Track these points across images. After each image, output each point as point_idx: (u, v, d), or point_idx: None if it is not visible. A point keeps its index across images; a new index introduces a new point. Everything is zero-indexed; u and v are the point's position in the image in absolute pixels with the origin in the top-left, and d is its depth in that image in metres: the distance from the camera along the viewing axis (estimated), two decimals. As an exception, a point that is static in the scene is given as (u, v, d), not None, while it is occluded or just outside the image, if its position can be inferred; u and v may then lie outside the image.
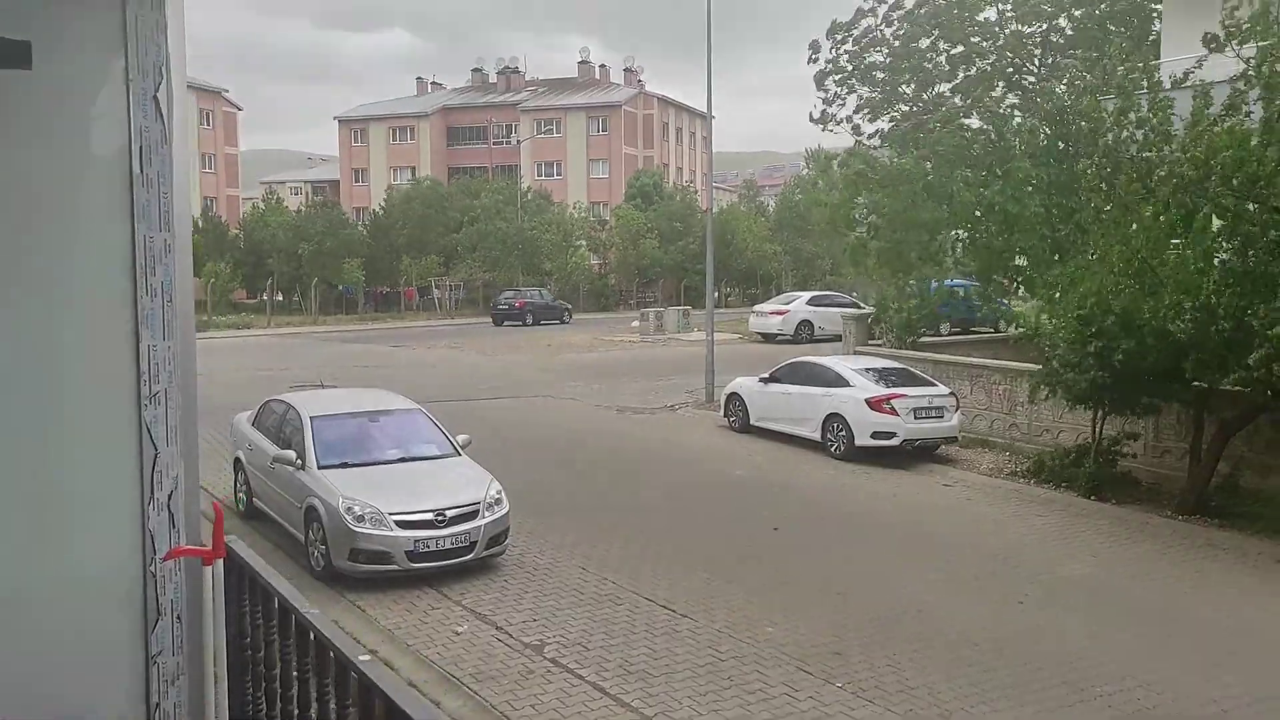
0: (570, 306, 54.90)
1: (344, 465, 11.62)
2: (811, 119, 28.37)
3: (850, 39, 27.11)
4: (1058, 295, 14.83)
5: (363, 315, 55.28)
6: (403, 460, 12.05)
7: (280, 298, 58.52)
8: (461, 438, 12.62)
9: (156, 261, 3.44)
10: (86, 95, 3.37)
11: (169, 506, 3.51)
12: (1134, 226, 13.57)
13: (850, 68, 27.12)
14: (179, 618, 3.59)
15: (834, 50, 27.35)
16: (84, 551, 3.47)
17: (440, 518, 10.88)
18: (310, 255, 55.22)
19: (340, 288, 57.88)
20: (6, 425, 3.29)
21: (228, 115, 78.75)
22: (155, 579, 3.52)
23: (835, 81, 27.17)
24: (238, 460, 13.73)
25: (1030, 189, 19.35)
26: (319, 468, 11.48)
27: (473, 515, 11.05)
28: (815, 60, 27.52)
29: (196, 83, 72.73)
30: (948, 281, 25.70)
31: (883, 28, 26.93)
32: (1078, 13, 25.14)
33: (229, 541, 3.90)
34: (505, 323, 50.07)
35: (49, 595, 3.41)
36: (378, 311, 57.87)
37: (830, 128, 28.18)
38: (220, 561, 3.53)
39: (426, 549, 10.75)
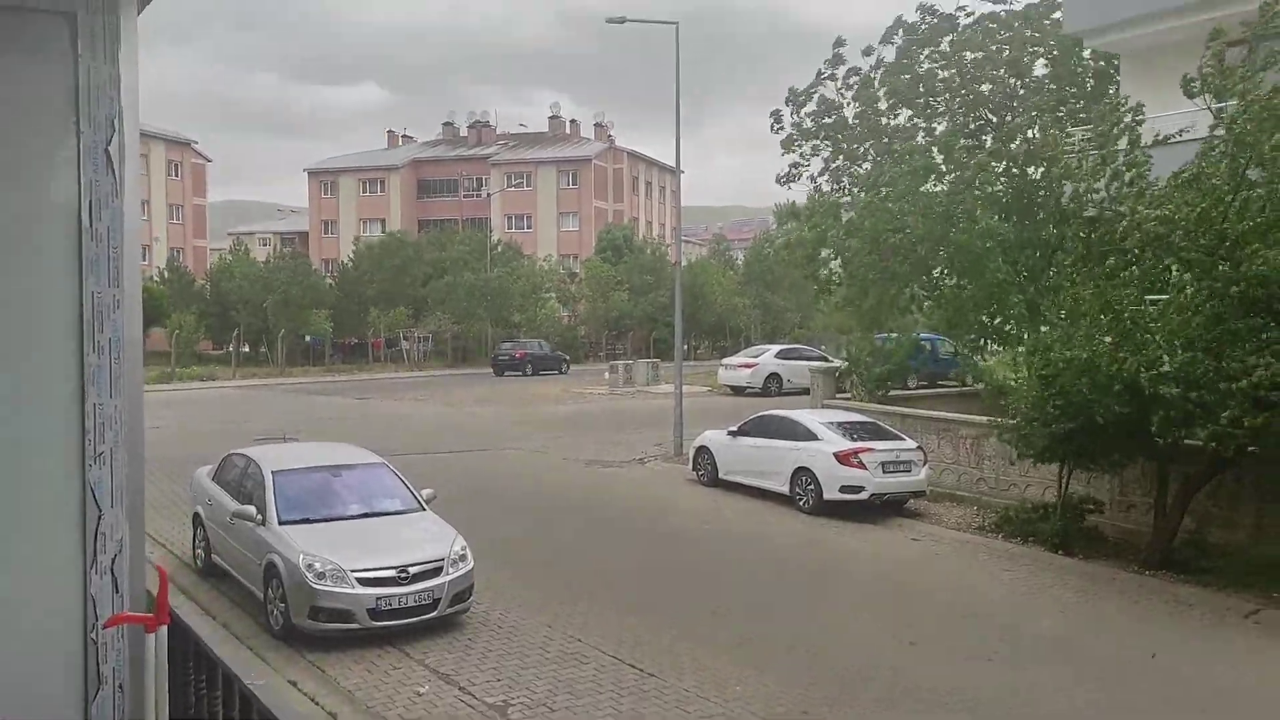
0: (568, 358, 55.60)
1: (306, 521, 11.41)
2: (778, 180, 28.73)
3: (810, 102, 27.59)
4: (1032, 353, 14.94)
5: (329, 366, 54.84)
6: (366, 515, 11.86)
7: (246, 349, 57.98)
8: (426, 492, 12.45)
9: (105, 318, 3.34)
10: (36, 147, 3.30)
11: (112, 570, 3.38)
12: (1109, 281, 13.73)
13: (812, 129, 27.58)
14: (121, 687, 3.44)
15: (795, 115, 27.83)
16: (23, 617, 3.34)
17: (403, 574, 10.68)
18: (277, 306, 54.87)
19: (307, 339, 57.51)
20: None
21: (196, 166, 78.58)
22: (97, 647, 3.37)
23: (797, 148, 27.64)
24: (197, 515, 13.46)
25: (990, 245, 19.58)
26: (280, 523, 11.26)
27: (436, 572, 10.86)
28: (780, 129, 27.98)
29: (165, 134, 72.82)
30: (915, 334, 25.89)
31: (842, 90, 27.41)
32: (1037, 72, 25.70)
33: (175, 607, 3.76)
34: (506, 372, 51.18)
35: (-16, 664, 3.26)
36: (344, 363, 57.47)
37: (796, 186, 28.55)
38: (164, 628, 3.38)
39: (389, 606, 10.53)
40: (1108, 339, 13.12)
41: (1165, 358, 12.08)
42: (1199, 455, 13.38)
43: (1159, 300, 13.17)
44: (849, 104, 27.41)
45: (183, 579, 12.85)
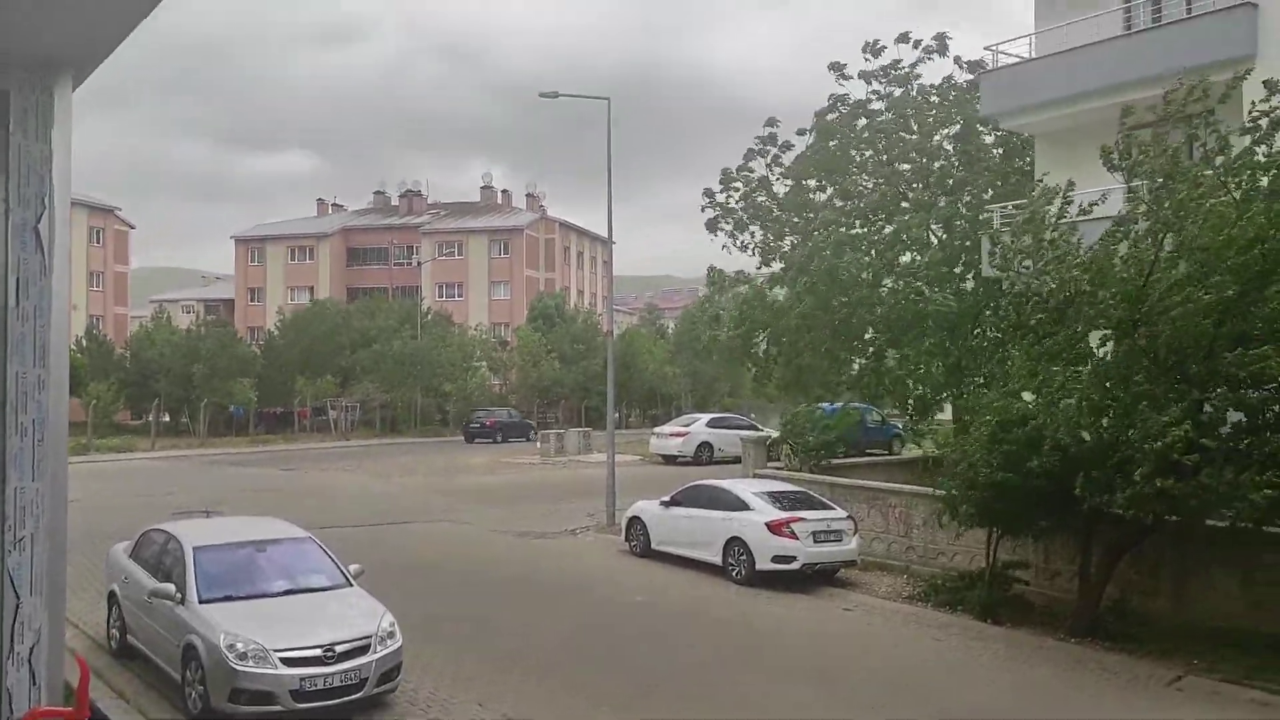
0: (534, 425, 55.97)
1: (227, 599, 11.06)
2: (707, 227, 29.03)
3: (739, 182, 28.19)
4: (966, 419, 15.30)
5: (254, 437, 53.62)
6: (290, 592, 11.53)
7: (167, 419, 56.53)
8: (354, 567, 12.17)
9: (29, 398, 3.27)
10: (-38, 225, 3.24)
11: (30, 661, 3.25)
12: (1038, 344, 14.17)
13: (739, 209, 28.16)
14: (35, 785, 3.29)
15: (725, 194, 28.41)
16: (-70, 712, 3.18)
17: (329, 653, 10.38)
18: (200, 375, 53.70)
19: (231, 408, 56.30)
20: None
21: (119, 233, 77.11)
22: (10, 742, 3.23)
23: (724, 229, 28.26)
24: (112, 594, 12.96)
25: (919, 311, 20.13)
26: (200, 601, 10.90)
27: (364, 650, 10.57)
28: (709, 207, 28.55)
29: (89, 200, 71.48)
30: (835, 406, 26.26)
31: (771, 167, 28.03)
32: (949, 150, 26.56)
33: (94, 699, 3.62)
34: (476, 440, 52.64)
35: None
36: (270, 433, 56.27)
37: (731, 252, 28.97)
38: (83, 723, 3.25)
39: (314, 687, 10.20)
40: (1029, 401, 13.52)
41: (1087, 420, 12.45)
42: (1121, 523, 13.70)
43: (1080, 361, 13.64)
44: (777, 181, 28.03)
45: (97, 660, 12.33)
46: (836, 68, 26.81)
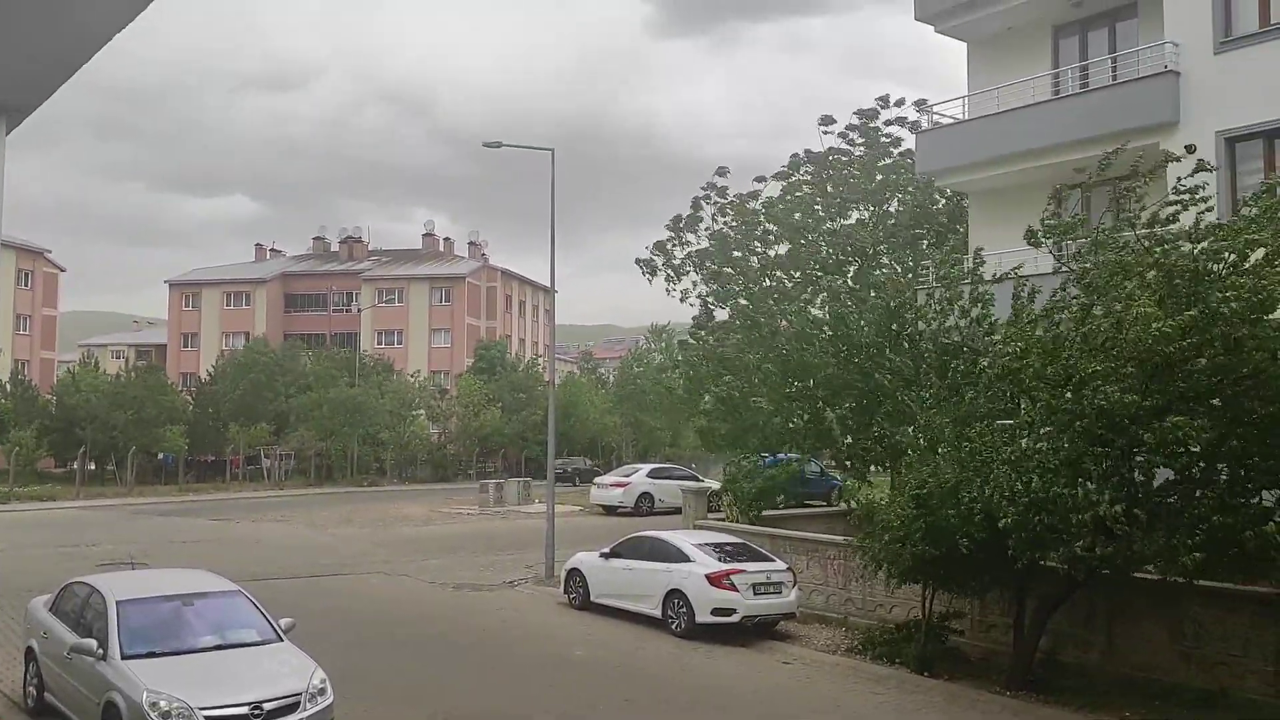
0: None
1: (151, 654, 10.70)
2: (644, 268, 29.31)
3: (687, 232, 28.68)
4: (906, 473, 15.38)
5: (183, 486, 52.20)
6: (219, 648, 11.19)
7: (93, 467, 54.88)
8: (285, 621, 11.85)
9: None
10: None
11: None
12: (964, 410, 14.31)
13: (682, 261, 28.69)
14: None
15: (669, 246, 28.88)
16: None
17: (257, 711, 10.07)
18: (128, 422, 52.28)
19: (160, 456, 54.89)
20: None
21: (48, 276, 75.37)
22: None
23: (668, 280, 28.84)
24: (30, 650, 12.47)
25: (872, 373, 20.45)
26: (123, 657, 10.54)
27: (293, 708, 10.28)
28: (651, 258, 28.99)
29: (17, 242, 69.86)
30: (782, 457, 26.41)
31: (717, 217, 28.49)
32: (890, 209, 27.25)
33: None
34: (562, 482, 49.31)
35: None
36: (200, 481, 54.92)
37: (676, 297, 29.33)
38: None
39: (240, 748, 9.89)
40: (961, 470, 13.61)
41: (1017, 486, 12.54)
42: (1053, 576, 13.87)
43: (1009, 426, 13.77)
44: (724, 230, 28.50)
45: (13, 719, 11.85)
46: (827, 121, 27.60)
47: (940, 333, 15.91)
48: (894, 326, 20.45)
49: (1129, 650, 14.37)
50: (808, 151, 27.89)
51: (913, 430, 16.40)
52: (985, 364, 13.91)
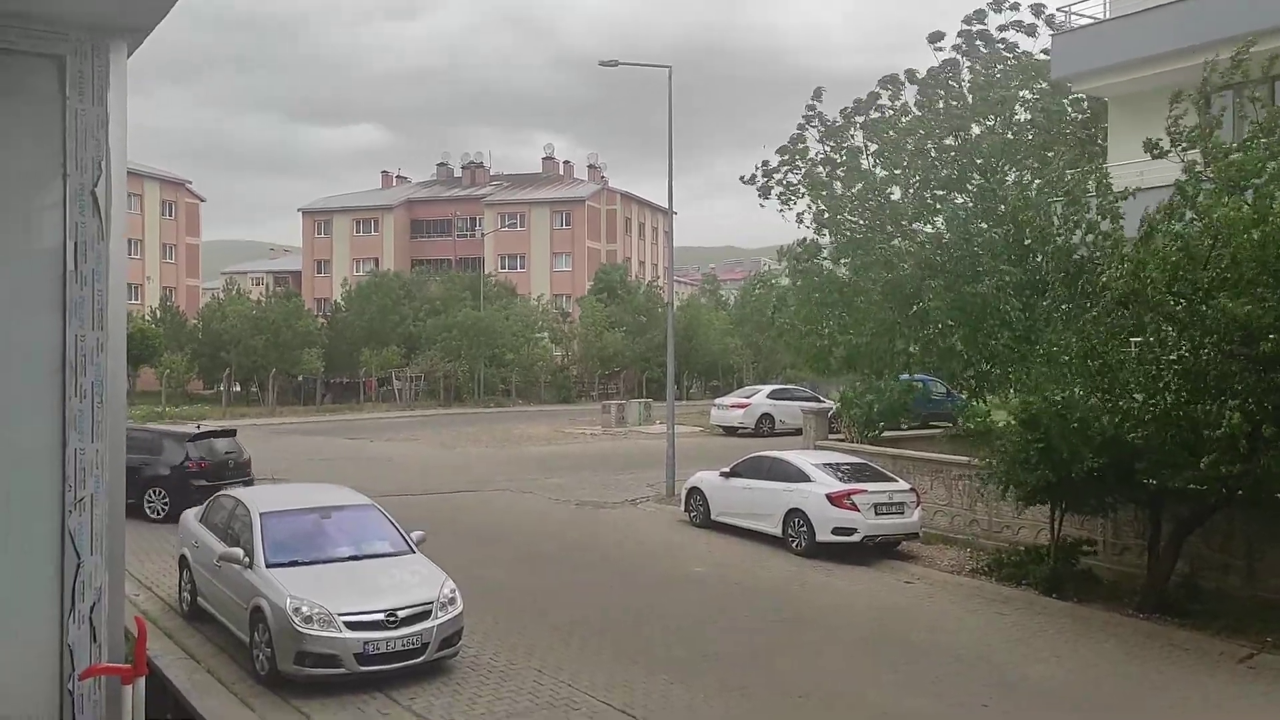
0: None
1: (293, 564, 11.28)
2: (760, 193, 28.61)
3: (798, 155, 27.83)
4: (1013, 396, 14.95)
5: (321, 407, 54.57)
6: (354, 558, 11.73)
7: (238, 389, 57.71)
8: (416, 534, 12.33)
9: (88, 361, 3.30)
10: (21, 188, 3.28)
11: (90, 619, 3.31)
12: (1093, 327, 13.75)
13: (796, 182, 27.83)
14: (97, 739, 3.36)
15: (781, 171, 28.07)
16: (-2, 667, 3.26)
17: (391, 618, 10.55)
18: (267, 346, 54.74)
19: (299, 378, 57.32)
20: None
21: (190, 206, 78.79)
22: (73, 698, 3.30)
23: (782, 199, 27.96)
24: (183, 558, 13.31)
25: (999, 289, 19.75)
26: (267, 566, 11.14)
27: (425, 615, 10.73)
28: (757, 179, 28.25)
29: (160, 174, 73.09)
30: (905, 376, 25.88)
31: (824, 143, 27.61)
32: (1027, 118, 25.94)
33: (160, 653, 3.69)
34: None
35: (-44, 715, 3.18)
36: (336, 403, 57.21)
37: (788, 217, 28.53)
38: (142, 680, 3.31)
39: (376, 651, 10.39)
40: (1078, 391, 13.14)
41: (1150, 402, 12.06)
42: (1189, 498, 13.34)
43: (1138, 343, 13.20)
44: (833, 153, 27.63)
45: (168, 623, 12.69)
46: (936, 38, 26.24)
47: (1068, 248, 15.22)
48: (1026, 241, 19.60)
49: (1271, 573, 13.78)
50: (908, 73, 26.54)
51: (1040, 349, 15.80)
52: (1105, 280, 13.29)
